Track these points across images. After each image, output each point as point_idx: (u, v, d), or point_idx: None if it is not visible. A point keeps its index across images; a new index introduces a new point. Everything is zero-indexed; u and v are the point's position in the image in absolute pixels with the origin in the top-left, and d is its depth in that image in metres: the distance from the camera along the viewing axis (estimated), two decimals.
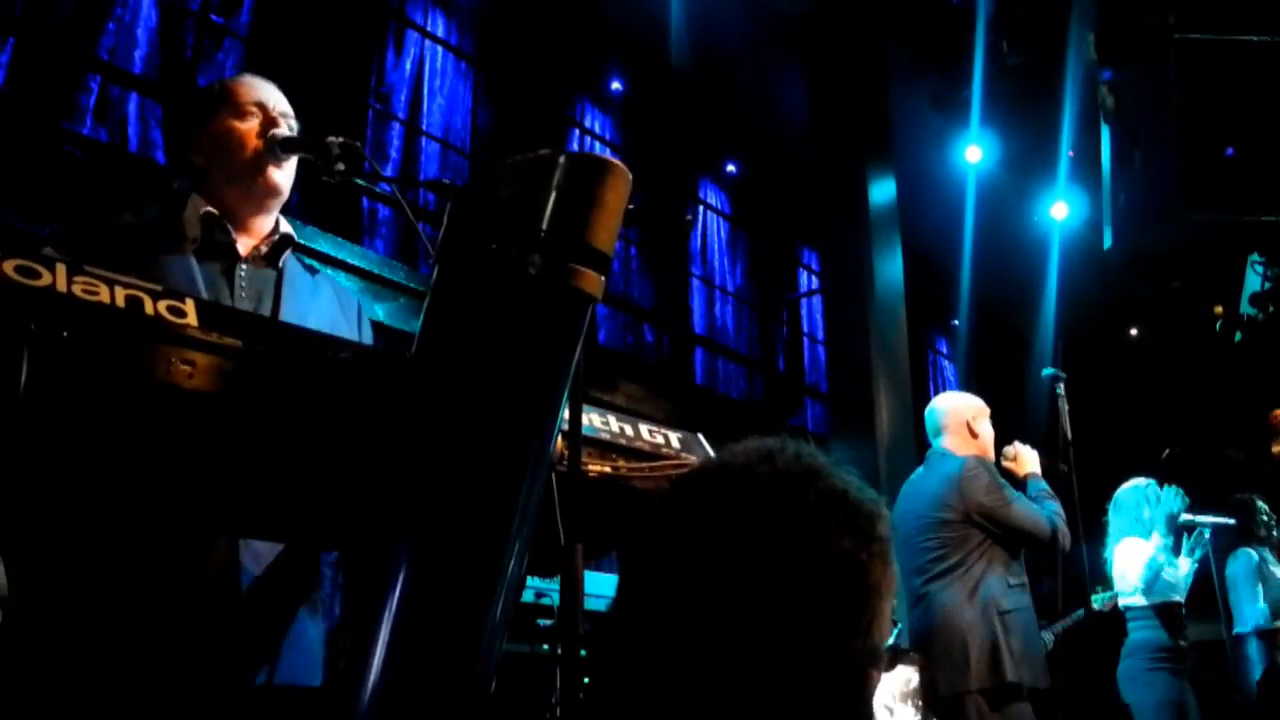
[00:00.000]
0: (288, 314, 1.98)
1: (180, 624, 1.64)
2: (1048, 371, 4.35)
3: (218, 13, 6.15)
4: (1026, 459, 4.28)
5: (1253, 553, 5.94)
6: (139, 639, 1.62)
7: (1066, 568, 4.12)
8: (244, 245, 2.01)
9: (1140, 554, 5.34)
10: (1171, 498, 5.33)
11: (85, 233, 1.86)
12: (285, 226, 2.10)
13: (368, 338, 2.20)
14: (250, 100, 2.04)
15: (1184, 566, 5.60)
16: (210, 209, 1.99)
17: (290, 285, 2.04)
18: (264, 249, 2.04)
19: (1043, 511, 4.03)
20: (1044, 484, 4.18)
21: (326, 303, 2.12)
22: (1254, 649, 5.78)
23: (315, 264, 2.20)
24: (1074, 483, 4.15)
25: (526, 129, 7.94)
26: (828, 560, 1.03)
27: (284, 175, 2.05)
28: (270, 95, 2.07)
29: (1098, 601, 6.09)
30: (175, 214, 1.99)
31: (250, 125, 2.02)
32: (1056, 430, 4.25)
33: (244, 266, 1.99)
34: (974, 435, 4.20)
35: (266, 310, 1.97)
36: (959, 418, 4.24)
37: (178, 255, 1.91)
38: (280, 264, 2.06)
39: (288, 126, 2.04)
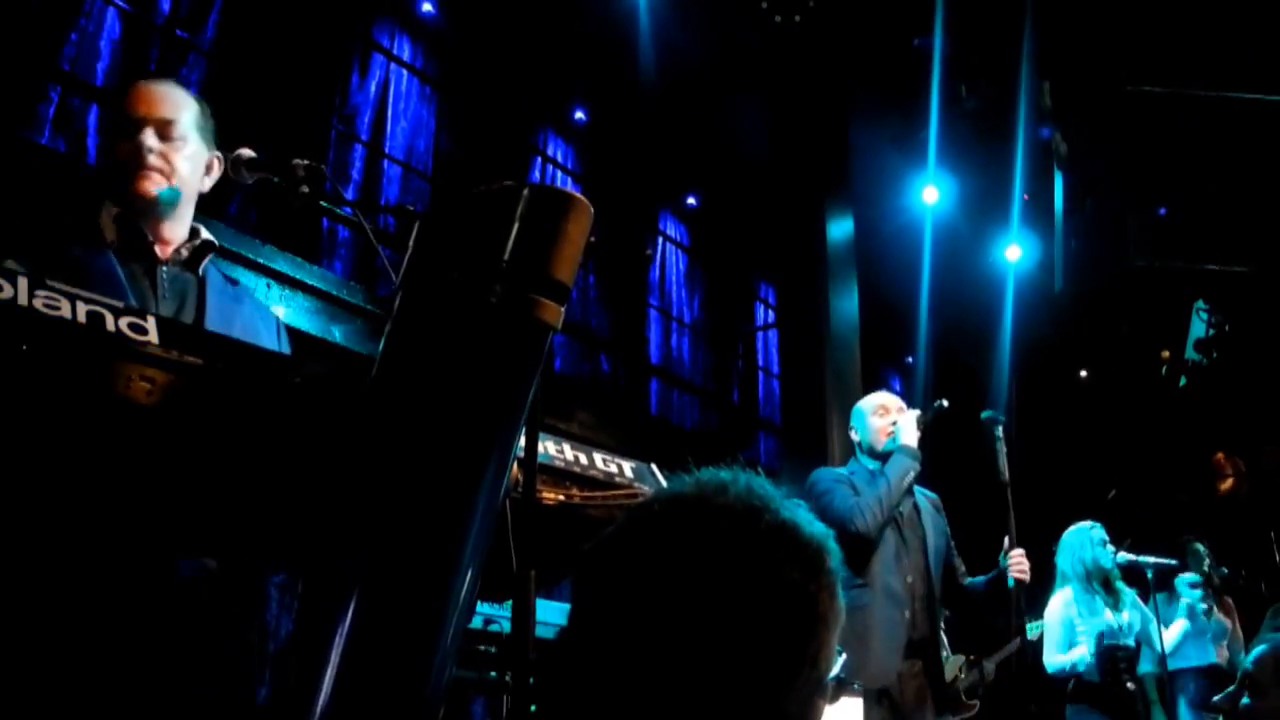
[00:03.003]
0: (212, 320, 2.01)
1: (125, 639, 1.63)
2: (986, 414, 4.34)
3: (183, 28, 6.12)
4: (898, 432, 4.12)
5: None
6: (83, 652, 1.60)
7: (1015, 602, 4.08)
8: (160, 249, 2.04)
9: (1060, 612, 5.47)
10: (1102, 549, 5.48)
11: (9, 233, 1.88)
12: (205, 234, 2.12)
13: (286, 350, 2.21)
14: (133, 114, 2.04)
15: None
16: (120, 211, 2.02)
17: (213, 292, 2.08)
18: (184, 253, 2.07)
19: (862, 498, 3.94)
20: (897, 456, 4.02)
21: (248, 313, 2.15)
22: (1190, 685, 5.95)
23: (234, 275, 2.22)
24: (1011, 522, 4.13)
25: (489, 155, 7.96)
26: (777, 590, 1.05)
27: (154, 185, 2.03)
28: (153, 104, 2.06)
29: (1032, 631, 6.22)
30: (93, 217, 2.02)
31: (130, 137, 2.03)
32: (995, 471, 4.24)
33: (165, 269, 2.02)
34: (859, 445, 4.23)
35: (189, 314, 2.00)
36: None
37: (98, 254, 1.94)
38: (201, 270, 2.09)
39: (171, 134, 2.04)
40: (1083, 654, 5.25)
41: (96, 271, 1.88)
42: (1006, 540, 4.04)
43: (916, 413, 4.17)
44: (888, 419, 4.17)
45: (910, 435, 4.08)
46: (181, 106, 2.09)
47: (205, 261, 2.10)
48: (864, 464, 4.17)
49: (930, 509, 4.24)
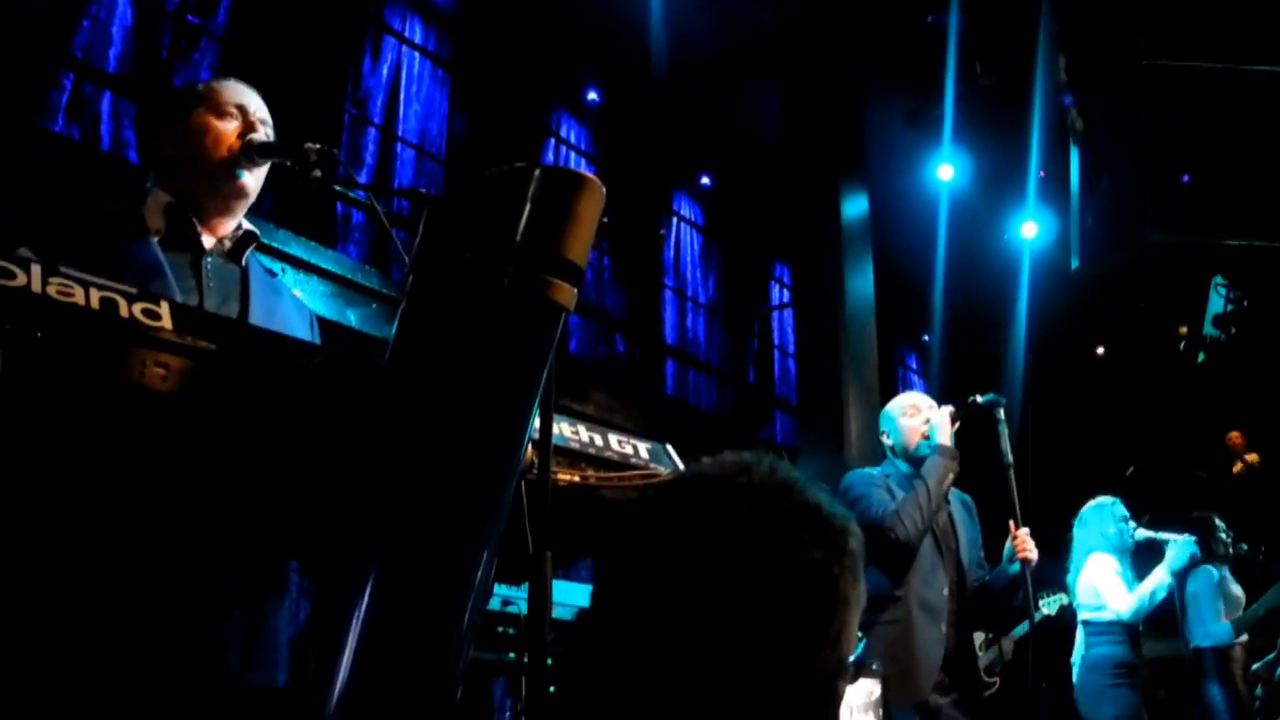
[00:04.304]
0: (255, 312, 1.99)
1: (147, 624, 1.63)
2: (987, 398, 4.17)
3: (194, 13, 6.11)
4: (933, 432, 3.97)
5: (1214, 570, 6.04)
6: (105, 638, 1.60)
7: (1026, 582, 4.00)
8: (208, 240, 2.01)
9: (1109, 571, 5.39)
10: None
11: (48, 223, 1.85)
12: (247, 225, 2.10)
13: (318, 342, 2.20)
14: (232, 102, 2.05)
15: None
16: (172, 200, 1.99)
17: (256, 283, 2.05)
18: (228, 244, 2.05)
19: (902, 504, 3.79)
20: (933, 458, 3.88)
21: (287, 305, 2.13)
22: (1211, 663, 5.89)
23: (273, 268, 2.21)
24: (1016, 504, 4.03)
25: (502, 137, 7.94)
26: (800, 571, 1.05)
27: (254, 179, 2.05)
28: (252, 100, 2.07)
29: (1049, 605, 6.20)
30: (136, 206, 1.99)
31: (229, 126, 2.02)
32: (999, 454, 4.12)
33: (210, 260, 1.99)
34: (891, 449, 4.10)
35: (233, 306, 1.98)
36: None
37: (143, 242, 1.91)
38: (244, 261, 2.06)
39: (265, 134, 2.04)
40: (1160, 579, 5.22)
41: (140, 260, 1.85)
42: (1011, 524, 3.95)
43: (950, 409, 4.01)
44: (919, 419, 4.02)
45: (946, 434, 3.93)
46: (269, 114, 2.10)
47: (248, 253, 2.08)
48: (899, 467, 4.02)
49: (964, 514, 4.09)
